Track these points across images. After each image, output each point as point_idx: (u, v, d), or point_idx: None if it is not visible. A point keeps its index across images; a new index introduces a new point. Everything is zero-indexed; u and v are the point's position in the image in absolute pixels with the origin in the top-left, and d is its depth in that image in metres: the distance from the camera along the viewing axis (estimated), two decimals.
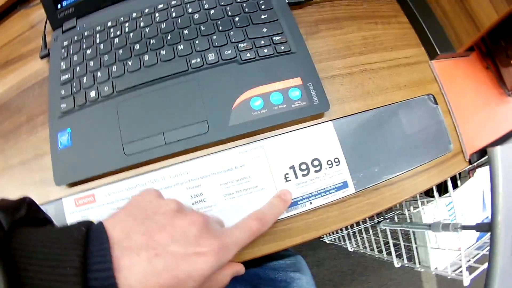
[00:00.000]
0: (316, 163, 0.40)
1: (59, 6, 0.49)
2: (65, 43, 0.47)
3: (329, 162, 0.41)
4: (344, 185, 0.41)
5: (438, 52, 0.47)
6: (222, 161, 0.40)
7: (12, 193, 0.43)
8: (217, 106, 0.39)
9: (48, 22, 0.51)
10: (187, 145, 0.39)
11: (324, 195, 0.40)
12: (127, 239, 0.25)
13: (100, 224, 0.26)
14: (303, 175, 0.40)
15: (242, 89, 0.40)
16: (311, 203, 0.40)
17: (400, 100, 0.44)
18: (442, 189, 0.60)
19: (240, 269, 0.35)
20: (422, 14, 0.50)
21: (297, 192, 0.40)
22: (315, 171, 0.40)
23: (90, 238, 0.24)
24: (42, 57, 0.49)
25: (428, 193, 0.71)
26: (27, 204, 0.28)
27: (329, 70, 0.43)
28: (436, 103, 0.46)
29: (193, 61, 0.41)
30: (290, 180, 0.40)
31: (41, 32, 0.51)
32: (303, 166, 0.40)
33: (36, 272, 0.22)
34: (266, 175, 0.40)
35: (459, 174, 0.68)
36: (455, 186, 0.50)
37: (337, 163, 0.41)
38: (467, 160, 0.45)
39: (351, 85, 0.43)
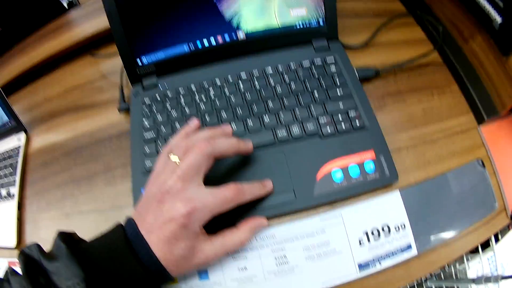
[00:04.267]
0: (385, 228, 0.48)
1: (139, 62, 0.55)
2: (147, 100, 0.53)
3: (397, 228, 0.49)
4: (408, 247, 0.49)
5: (485, 118, 0.56)
6: (305, 227, 0.47)
7: (84, 237, 0.50)
8: (303, 177, 0.47)
9: (124, 75, 0.56)
10: (276, 211, 0.46)
11: (391, 257, 0.48)
12: (146, 222, 0.37)
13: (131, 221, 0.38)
14: (375, 239, 0.48)
15: (324, 161, 0.47)
16: (380, 264, 0.48)
17: (454, 167, 0.53)
18: (484, 243, 0.69)
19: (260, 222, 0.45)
20: (470, 80, 0.58)
21: (369, 254, 0.47)
22: (385, 236, 0.48)
23: (127, 232, 0.37)
24: (120, 111, 0.55)
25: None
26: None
27: (395, 142, 0.51)
28: (484, 166, 0.54)
29: (279, 134, 0.48)
30: (363, 245, 0.48)
31: (114, 84, 0.57)
32: (375, 232, 0.48)
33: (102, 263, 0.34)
34: (343, 240, 0.47)
35: None
36: (496, 239, 0.59)
37: (403, 228, 0.49)
38: (509, 216, 0.53)
39: (414, 156, 0.51)
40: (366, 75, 0.56)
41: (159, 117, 0.52)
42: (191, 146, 0.40)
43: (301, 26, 0.57)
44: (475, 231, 0.51)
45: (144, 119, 0.52)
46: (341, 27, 0.57)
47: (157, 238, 0.36)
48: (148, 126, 0.52)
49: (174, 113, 0.51)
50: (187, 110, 0.51)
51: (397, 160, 0.50)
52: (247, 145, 0.45)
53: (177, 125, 0.50)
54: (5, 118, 0.64)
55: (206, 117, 0.50)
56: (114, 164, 0.54)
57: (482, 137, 0.56)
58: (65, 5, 0.80)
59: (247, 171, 0.47)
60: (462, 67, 0.59)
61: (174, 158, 0.40)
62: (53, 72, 0.71)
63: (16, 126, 0.64)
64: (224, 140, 0.42)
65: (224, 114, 0.50)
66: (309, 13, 0.56)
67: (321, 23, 0.57)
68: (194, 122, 0.46)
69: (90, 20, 0.69)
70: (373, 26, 0.65)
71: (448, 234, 0.50)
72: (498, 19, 0.50)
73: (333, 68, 0.54)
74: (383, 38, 0.64)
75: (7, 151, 0.64)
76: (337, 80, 0.52)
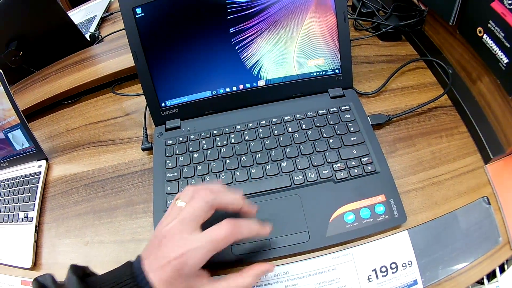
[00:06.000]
0: (393, 265, 0.53)
1: (163, 104, 0.60)
2: (170, 141, 0.59)
3: (404, 265, 0.53)
4: (415, 282, 0.53)
5: (491, 156, 0.59)
6: (317, 264, 0.52)
7: (102, 265, 0.55)
8: (316, 219, 0.52)
9: (147, 114, 0.62)
10: (290, 251, 0.51)
11: None
12: (148, 261, 0.41)
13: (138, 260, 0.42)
14: (383, 276, 0.53)
15: (337, 205, 0.52)
16: None
17: (460, 206, 0.57)
18: (490, 274, 0.73)
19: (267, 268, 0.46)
20: (477, 121, 0.62)
21: None
22: (392, 273, 0.53)
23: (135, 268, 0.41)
24: (143, 150, 0.61)
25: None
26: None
27: (404, 185, 0.56)
28: (489, 203, 0.58)
29: (295, 178, 0.53)
30: (372, 281, 0.52)
31: (137, 123, 0.62)
32: (383, 269, 0.53)
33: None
34: (353, 277, 0.52)
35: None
36: (502, 270, 0.63)
37: (410, 265, 0.53)
38: None
39: (422, 198, 0.56)
40: (378, 121, 0.60)
41: (182, 159, 0.57)
42: (196, 194, 0.44)
43: (318, 75, 0.62)
44: (479, 264, 0.54)
45: (167, 159, 0.58)
46: (355, 73, 0.62)
47: (159, 277, 0.40)
48: (171, 167, 0.57)
49: (195, 156, 0.57)
50: (208, 153, 0.56)
51: (406, 202, 0.55)
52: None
53: (199, 167, 0.56)
54: (27, 144, 0.70)
55: (227, 161, 0.55)
56: (136, 199, 0.59)
57: (488, 176, 0.60)
58: (88, 37, 0.86)
59: (264, 213, 0.52)
60: (470, 108, 0.63)
61: (180, 203, 0.44)
62: (75, 103, 0.76)
63: (36, 152, 0.70)
64: (229, 195, 0.46)
65: (244, 159, 0.55)
66: (325, 63, 0.62)
67: (337, 72, 0.63)
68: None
69: (113, 57, 0.74)
70: (386, 71, 0.70)
71: (453, 269, 0.54)
72: (504, 59, 0.53)
73: (347, 116, 0.59)
74: (395, 84, 0.69)
75: (26, 176, 0.69)
76: (351, 127, 0.57)
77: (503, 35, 0.52)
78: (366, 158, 0.55)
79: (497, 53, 0.54)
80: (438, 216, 0.55)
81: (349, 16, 0.65)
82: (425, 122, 0.62)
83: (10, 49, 0.86)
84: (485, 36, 0.56)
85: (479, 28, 0.57)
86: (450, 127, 0.62)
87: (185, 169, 0.56)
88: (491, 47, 0.55)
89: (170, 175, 0.56)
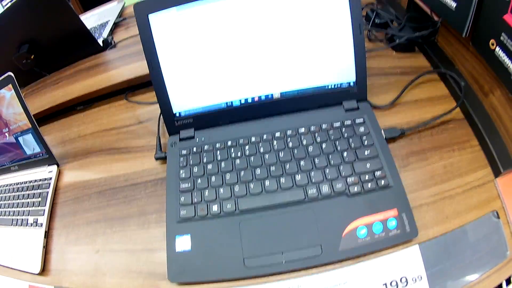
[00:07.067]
0: (403, 280, 0.54)
1: (177, 114, 0.61)
2: (184, 151, 0.60)
3: (414, 279, 0.54)
4: None
5: (502, 170, 0.60)
6: (329, 278, 0.53)
7: (112, 273, 0.56)
8: (329, 233, 0.53)
9: (161, 123, 0.63)
10: (303, 264, 0.52)
11: None
12: None
13: None
14: None
15: (350, 219, 0.53)
16: None
17: (470, 221, 0.58)
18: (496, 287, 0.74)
19: None
20: (488, 134, 0.62)
21: None
22: (403, 286, 0.54)
23: None
24: (157, 159, 0.62)
25: None
26: None
27: (417, 200, 0.57)
28: (498, 217, 0.59)
29: (309, 192, 0.54)
30: None
31: (150, 131, 0.63)
32: (393, 283, 0.54)
33: None
34: None
35: None
36: (508, 283, 0.64)
37: (420, 279, 0.55)
38: None
39: (434, 212, 0.57)
40: (392, 135, 0.62)
41: (195, 169, 0.58)
42: None
43: (333, 87, 0.64)
44: (487, 278, 0.55)
45: (180, 169, 0.59)
46: (369, 86, 0.63)
47: None
48: (184, 177, 0.58)
49: (210, 167, 0.58)
50: (223, 164, 0.58)
51: (417, 216, 0.56)
52: None
53: (213, 178, 0.57)
54: (37, 149, 0.71)
55: (241, 173, 0.57)
56: (149, 209, 0.60)
57: (498, 189, 0.60)
58: (100, 43, 0.87)
59: (278, 226, 0.53)
60: (481, 121, 0.63)
61: None
62: (87, 109, 0.77)
63: (47, 157, 0.71)
64: None
65: (258, 171, 0.56)
66: (341, 75, 0.63)
67: (352, 85, 0.64)
68: None
69: (127, 64, 0.75)
70: (399, 83, 0.71)
71: (462, 282, 0.55)
72: None
73: (361, 129, 0.60)
74: (409, 97, 0.70)
75: (36, 181, 0.70)
76: (365, 141, 0.59)
77: None
78: (380, 172, 0.56)
79: (509, 66, 0.54)
80: (449, 231, 0.56)
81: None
82: (437, 136, 0.62)
83: (22, 52, 0.87)
84: (497, 48, 0.56)
85: (492, 41, 0.57)
86: (462, 141, 0.63)
87: (199, 180, 0.57)
88: (503, 60, 0.56)
89: (183, 185, 0.58)
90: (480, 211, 0.58)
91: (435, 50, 0.75)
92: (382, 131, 0.61)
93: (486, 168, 0.61)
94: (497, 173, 0.60)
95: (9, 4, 0.91)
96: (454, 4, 0.63)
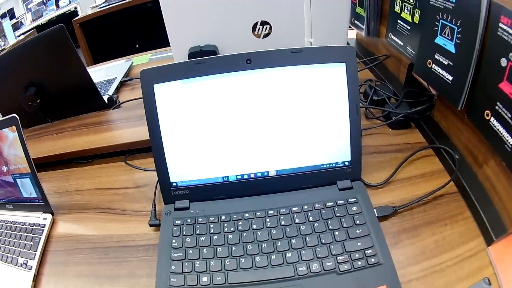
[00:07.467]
0: None
1: (174, 184, 0.63)
2: (178, 221, 0.61)
3: None
4: None
5: (494, 239, 0.59)
6: None
7: None
8: None
9: (157, 191, 0.65)
10: None
11: None
12: None
13: None
14: None
15: None
16: None
17: None
18: None
19: None
20: (481, 205, 0.62)
21: None
22: None
23: None
24: (151, 225, 0.63)
25: None
26: None
27: (407, 275, 0.57)
28: (490, 284, 0.58)
29: (299, 269, 0.55)
30: None
31: (146, 196, 0.65)
32: None
33: None
34: None
35: None
36: None
37: None
38: None
39: (424, 286, 0.56)
40: (384, 213, 0.62)
41: (188, 240, 0.59)
42: None
43: (328, 167, 0.66)
44: None
45: (173, 238, 0.60)
46: (364, 164, 0.65)
47: None
48: (177, 246, 0.59)
49: (202, 239, 0.59)
50: (215, 238, 0.59)
51: None
52: None
53: (205, 250, 0.58)
54: (34, 194, 0.72)
55: (233, 247, 0.58)
56: (139, 272, 0.61)
57: (490, 257, 0.59)
58: (106, 99, 0.90)
59: None
60: (475, 194, 0.64)
61: None
62: (87, 164, 0.79)
63: (43, 205, 0.72)
64: None
65: (249, 247, 0.57)
66: (336, 156, 0.66)
67: (347, 164, 0.66)
68: None
69: (129, 127, 0.78)
70: (394, 161, 0.73)
71: None
72: (510, 141, 0.54)
73: (354, 208, 0.61)
74: (403, 173, 0.71)
75: (30, 225, 0.71)
76: (357, 220, 0.60)
77: (509, 116, 0.53)
78: (370, 251, 0.56)
79: (503, 135, 0.55)
80: None
81: (360, 104, 0.67)
82: (430, 211, 0.63)
83: (29, 94, 0.90)
84: (492, 119, 0.57)
85: (487, 111, 0.58)
86: (455, 214, 0.63)
87: (191, 251, 0.58)
88: (498, 129, 0.56)
89: (175, 254, 0.58)
90: (471, 280, 0.57)
91: (430, 125, 0.77)
92: (375, 210, 0.62)
93: (478, 238, 0.61)
94: (489, 242, 0.60)
95: (22, 37, 0.94)
96: (450, 78, 0.65)
